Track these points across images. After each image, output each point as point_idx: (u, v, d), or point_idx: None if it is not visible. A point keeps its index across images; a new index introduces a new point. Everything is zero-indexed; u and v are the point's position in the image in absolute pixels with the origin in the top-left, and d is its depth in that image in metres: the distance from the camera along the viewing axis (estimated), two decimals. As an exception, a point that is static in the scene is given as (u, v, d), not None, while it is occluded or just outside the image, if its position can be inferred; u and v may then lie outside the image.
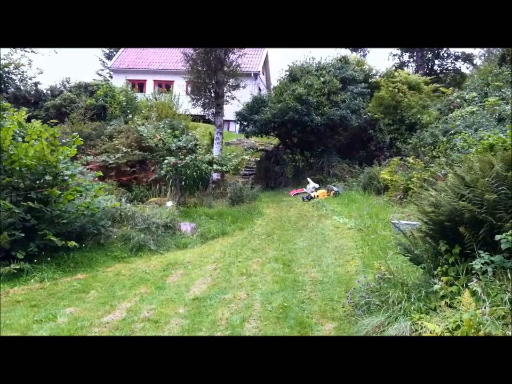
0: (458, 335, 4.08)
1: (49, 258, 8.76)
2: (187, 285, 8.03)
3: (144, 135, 15.70)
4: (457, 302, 4.67)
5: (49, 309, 6.80)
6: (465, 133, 11.96)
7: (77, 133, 10.82)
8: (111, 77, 34.51)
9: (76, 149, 10.10)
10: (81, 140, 10.29)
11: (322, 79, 20.62)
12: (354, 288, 6.48)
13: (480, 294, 4.44)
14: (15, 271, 8.07)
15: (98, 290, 7.80)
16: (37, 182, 9.13)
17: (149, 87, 31.43)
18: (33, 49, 25.32)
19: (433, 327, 4.45)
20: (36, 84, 26.29)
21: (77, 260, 9.18)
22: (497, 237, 4.70)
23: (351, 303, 6.21)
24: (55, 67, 43.98)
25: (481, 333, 3.88)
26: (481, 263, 4.74)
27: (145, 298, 7.40)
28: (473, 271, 4.79)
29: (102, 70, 37.04)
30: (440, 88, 22.70)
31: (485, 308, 4.28)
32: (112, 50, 39.86)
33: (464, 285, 4.79)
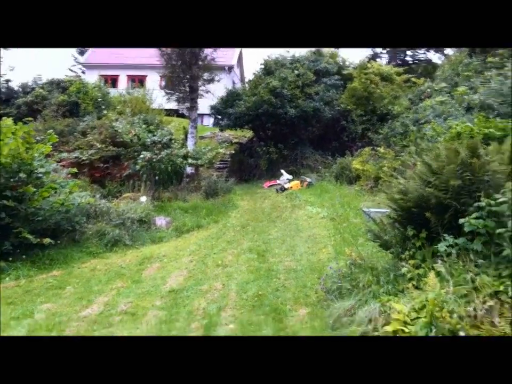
0: (424, 314, 4.26)
1: (24, 256, 8.75)
2: (163, 278, 8.12)
3: (119, 130, 15.57)
4: (424, 284, 4.86)
5: (25, 305, 6.81)
6: (434, 122, 12.19)
7: (51, 130, 10.75)
8: (83, 72, 33.97)
9: (50, 146, 10.05)
10: (56, 137, 10.24)
11: (296, 72, 20.73)
12: (326, 275, 6.64)
13: (445, 275, 4.63)
14: (-11, 270, 8.01)
15: (74, 286, 7.83)
16: (11, 180, 9.07)
17: (122, 82, 30.93)
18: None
19: (400, 307, 4.62)
20: (7, 81, 25.77)
21: (52, 257, 9.19)
22: (461, 221, 4.90)
23: (324, 289, 6.37)
24: (26, 64, 43.04)
25: (444, 310, 4.07)
26: (446, 246, 4.94)
27: (121, 292, 7.47)
28: (438, 254, 4.97)
29: (74, 65, 36.52)
30: (412, 78, 22.92)
31: (449, 287, 4.48)
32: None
33: (430, 267, 4.97)
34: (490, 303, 4.08)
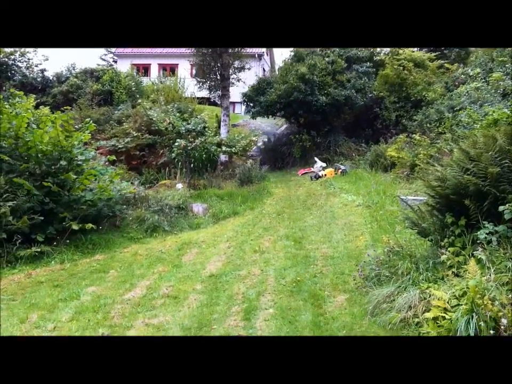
0: (464, 301, 4.33)
1: (68, 241, 9.08)
2: (202, 263, 8.30)
3: (154, 118, 15.84)
4: (464, 271, 4.92)
5: (71, 288, 7.08)
6: (470, 109, 12.04)
7: (89, 119, 11.02)
8: (115, 61, 34.39)
9: (89, 134, 10.32)
10: (94, 126, 10.50)
11: (327, 59, 20.57)
12: (364, 262, 6.74)
13: (485, 262, 4.68)
14: (36, 254, 8.38)
15: (117, 270, 8.08)
16: (53, 167, 9.39)
17: (154, 71, 31.29)
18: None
19: (441, 294, 4.71)
20: (42, 70, 26.34)
21: (95, 242, 9.50)
22: (501, 208, 4.94)
23: (362, 276, 6.47)
24: (59, 53, 43.74)
25: (485, 297, 4.13)
26: (486, 233, 4.98)
27: (163, 276, 7.68)
28: (478, 241, 5.02)
29: (106, 54, 36.85)
30: (445, 64, 22.51)
31: (490, 275, 4.53)
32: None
33: (470, 255, 5.02)
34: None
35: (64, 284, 7.33)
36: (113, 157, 11.52)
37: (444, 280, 5.22)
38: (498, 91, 13.05)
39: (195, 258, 8.69)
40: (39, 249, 8.43)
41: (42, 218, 8.62)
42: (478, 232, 5.03)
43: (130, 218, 10.68)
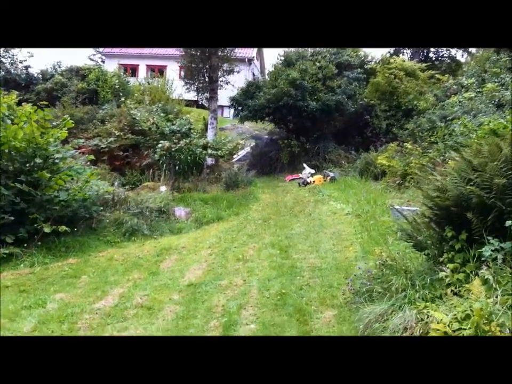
0: (468, 325, 3.89)
1: (40, 243, 8.60)
2: (181, 271, 7.87)
3: (137, 118, 15.45)
4: (465, 290, 4.50)
5: (38, 294, 6.64)
6: (465, 118, 11.78)
7: (67, 115, 10.59)
8: (103, 61, 33.94)
9: (66, 132, 9.87)
10: (72, 123, 10.03)
11: (317, 64, 20.35)
12: (355, 275, 6.29)
13: (492, 283, 4.25)
14: (4, 256, 7.91)
15: (90, 276, 7.65)
16: (27, 165, 8.93)
17: (142, 72, 30.99)
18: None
19: (441, 316, 4.25)
20: (27, 67, 25.95)
21: (69, 244, 9.03)
22: (508, 223, 4.51)
23: (352, 290, 6.03)
24: (45, 50, 43.13)
25: (493, 324, 3.69)
26: (491, 250, 4.54)
27: (138, 284, 7.25)
28: (482, 259, 4.58)
29: (94, 54, 36.41)
30: (436, 75, 22.49)
31: (496, 296, 4.10)
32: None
33: (473, 273, 4.59)
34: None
35: (31, 290, 6.88)
36: (92, 156, 11.07)
37: (442, 299, 4.79)
38: (493, 102, 12.81)
39: (174, 265, 8.25)
40: (7, 251, 7.96)
41: (12, 218, 8.16)
42: (483, 249, 4.58)
43: (108, 220, 10.21)
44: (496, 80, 14.38)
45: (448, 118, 14.18)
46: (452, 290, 4.75)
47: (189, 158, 14.72)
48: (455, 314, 4.18)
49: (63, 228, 8.64)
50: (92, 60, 36.32)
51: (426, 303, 4.76)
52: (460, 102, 14.91)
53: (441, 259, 5.15)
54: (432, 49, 34.59)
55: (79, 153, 12.95)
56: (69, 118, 9.99)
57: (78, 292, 6.85)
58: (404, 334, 4.47)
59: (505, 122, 9.34)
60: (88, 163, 12.06)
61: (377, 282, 5.69)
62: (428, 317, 4.45)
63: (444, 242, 5.40)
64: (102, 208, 10.33)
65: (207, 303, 6.34)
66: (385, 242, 7.68)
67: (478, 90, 14.76)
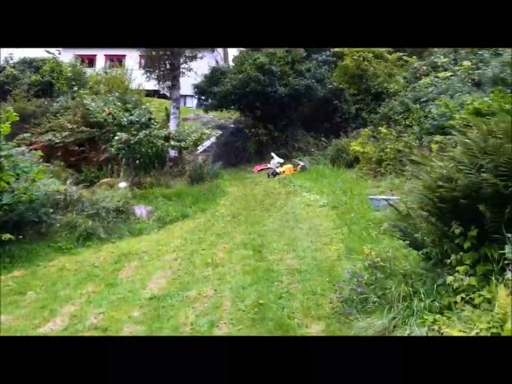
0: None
1: (-21, 253, 7.61)
2: (143, 281, 7.05)
3: (91, 109, 14.27)
4: (482, 300, 3.73)
5: (-27, 317, 5.74)
6: (444, 99, 11.15)
7: (11, 108, 9.45)
8: (59, 53, 32.39)
9: (9, 126, 8.73)
10: (16, 115, 8.91)
11: (285, 47, 19.54)
12: (343, 280, 5.47)
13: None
14: None
15: (37, 291, 6.81)
16: (-38, 164, 7.83)
17: (100, 63, 29.74)
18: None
19: (460, 335, 3.46)
20: (-24, 61, 24.24)
21: (14, 254, 8.16)
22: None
23: (340, 298, 5.21)
24: None
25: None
26: (513, 250, 3.75)
27: (92, 299, 6.42)
28: (505, 261, 3.78)
29: (51, 47, 34.87)
30: (404, 56, 21.99)
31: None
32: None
33: (496, 278, 3.79)
34: None
35: (-35, 311, 5.93)
36: (39, 152, 9.97)
37: (451, 309, 4.00)
38: (470, 80, 12.20)
39: (134, 274, 7.38)
40: None
41: None
42: (505, 249, 3.77)
43: (59, 224, 9.19)
44: (474, 57, 13.76)
45: (422, 100, 13.63)
46: (462, 298, 3.98)
47: (149, 150, 13.71)
48: (477, 333, 3.39)
49: (7, 235, 7.73)
50: (48, 52, 34.73)
51: (435, 315, 3.97)
52: (433, 82, 14.34)
53: (448, 261, 4.35)
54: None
55: (31, 149, 11.84)
56: (12, 110, 8.90)
57: (22, 312, 6.01)
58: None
59: (490, 101, 8.69)
60: (41, 160, 10.98)
61: (371, 289, 4.89)
62: (441, 334, 3.65)
63: (445, 240, 4.62)
64: (52, 210, 9.33)
65: (173, 320, 5.51)
66: (370, 238, 6.94)
67: (454, 69, 14.18)
